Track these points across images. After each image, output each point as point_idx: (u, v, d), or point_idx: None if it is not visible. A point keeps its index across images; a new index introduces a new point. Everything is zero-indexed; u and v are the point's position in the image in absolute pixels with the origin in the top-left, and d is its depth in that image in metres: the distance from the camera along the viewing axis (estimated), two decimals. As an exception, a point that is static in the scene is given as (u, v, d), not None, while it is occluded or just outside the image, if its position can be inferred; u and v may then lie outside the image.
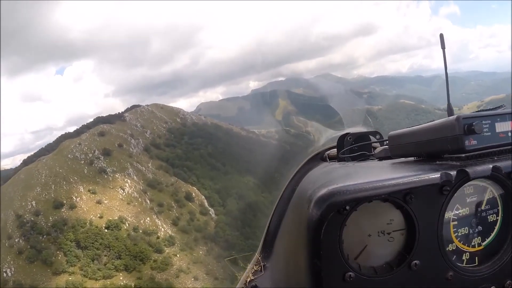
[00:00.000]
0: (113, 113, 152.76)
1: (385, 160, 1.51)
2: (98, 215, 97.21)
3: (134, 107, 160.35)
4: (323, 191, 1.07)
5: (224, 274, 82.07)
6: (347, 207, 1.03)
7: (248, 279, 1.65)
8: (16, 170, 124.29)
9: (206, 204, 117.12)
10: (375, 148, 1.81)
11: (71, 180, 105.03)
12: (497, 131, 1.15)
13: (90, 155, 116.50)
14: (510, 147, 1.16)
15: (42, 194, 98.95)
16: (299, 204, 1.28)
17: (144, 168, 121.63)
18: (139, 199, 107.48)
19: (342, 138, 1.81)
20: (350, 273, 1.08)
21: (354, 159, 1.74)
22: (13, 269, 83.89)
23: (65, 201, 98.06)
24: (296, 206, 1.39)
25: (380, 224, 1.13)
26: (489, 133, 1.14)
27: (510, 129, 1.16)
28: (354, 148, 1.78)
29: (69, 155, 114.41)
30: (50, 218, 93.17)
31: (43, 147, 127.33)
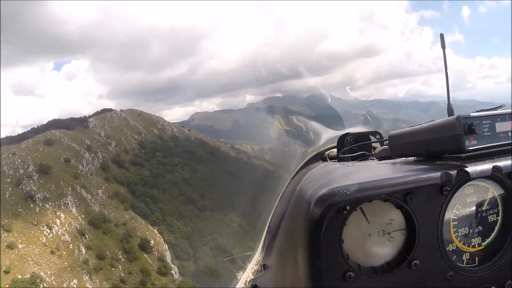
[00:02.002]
0: (76, 116, 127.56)
1: (385, 160, 1.55)
2: (4, 268, 71.73)
3: (104, 111, 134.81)
4: (323, 190, 1.09)
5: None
6: (347, 207, 1.06)
7: (248, 279, 1.77)
8: None
9: (168, 257, 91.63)
10: (375, 148, 1.91)
11: (-18, 206, 79.73)
12: (497, 131, 1.17)
13: (22, 171, 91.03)
14: (510, 147, 1.19)
15: None
16: (299, 204, 1.30)
17: (90, 196, 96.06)
18: (71, 246, 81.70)
19: (342, 138, 1.93)
20: (350, 272, 1.10)
21: (354, 159, 1.82)
22: None
23: (-39, 240, 72.88)
24: (296, 206, 1.41)
25: (380, 224, 1.15)
26: (489, 133, 1.16)
27: (510, 129, 1.18)
28: (354, 148, 1.88)
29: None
30: None
31: None
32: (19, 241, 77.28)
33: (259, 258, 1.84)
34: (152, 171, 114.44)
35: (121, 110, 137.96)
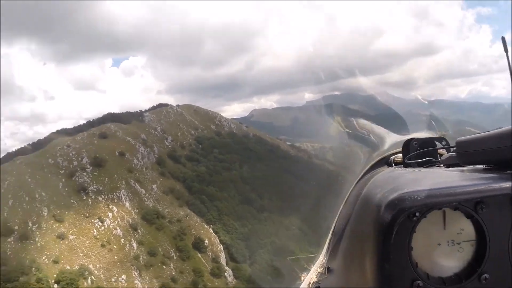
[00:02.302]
0: (132, 111, 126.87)
1: (453, 167, 1.52)
2: (53, 258, 69.29)
3: (160, 106, 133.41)
4: (393, 195, 1.08)
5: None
6: (417, 213, 1.04)
7: (312, 281, 1.78)
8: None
9: (222, 259, 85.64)
10: (441, 154, 1.86)
11: (37, 196, 78.49)
12: None
13: (75, 163, 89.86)
14: None
15: (-12, 211, 73.13)
16: (366, 208, 1.31)
17: (144, 191, 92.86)
18: (122, 240, 78.28)
19: (407, 143, 1.89)
20: (419, 281, 1.08)
21: (420, 165, 1.77)
22: None
23: (16, 227, 71.50)
24: (363, 210, 1.41)
25: (450, 233, 1.12)
26: None
27: None
28: (420, 153, 1.83)
29: (50, 160, 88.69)
30: (-16, 253, 66.68)
31: (35, 141, 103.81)
32: (70, 232, 74.91)
33: (323, 260, 1.84)
34: (209, 168, 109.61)
35: (178, 106, 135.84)
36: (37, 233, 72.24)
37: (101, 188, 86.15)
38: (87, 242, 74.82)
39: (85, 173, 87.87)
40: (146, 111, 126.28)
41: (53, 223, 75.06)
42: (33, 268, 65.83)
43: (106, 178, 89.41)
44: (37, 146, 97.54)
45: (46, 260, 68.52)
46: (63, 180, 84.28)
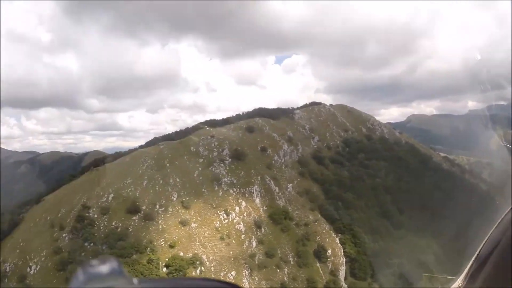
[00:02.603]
0: (284, 107, 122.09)
1: None
2: (170, 242, 67.73)
3: (313, 104, 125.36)
4: None
5: None
6: None
7: None
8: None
9: (341, 273, 72.34)
10: None
11: (171, 180, 79.69)
12: None
13: (215, 153, 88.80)
14: None
15: (127, 188, 77.15)
16: None
17: (278, 189, 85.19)
18: (242, 236, 72.08)
19: None
20: None
21: None
22: (37, 268, 64.15)
23: (144, 207, 73.28)
24: None
25: None
26: None
27: None
28: None
29: (192, 148, 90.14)
30: (113, 224, 69.86)
31: (183, 129, 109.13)
32: (193, 220, 72.61)
33: (461, 285, 1.76)
34: (352, 173, 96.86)
35: (331, 105, 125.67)
36: (162, 216, 72.25)
37: (234, 181, 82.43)
38: (207, 232, 71.19)
39: (222, 164, 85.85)
40: (297, 108, 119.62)
41: (179, 209, 74.15)
42: (148, 249, 65.31)
43: (242, 172, 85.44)
44: (185, 133, 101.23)
45: (163, 243, 67.39)
46: (200, 168, 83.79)
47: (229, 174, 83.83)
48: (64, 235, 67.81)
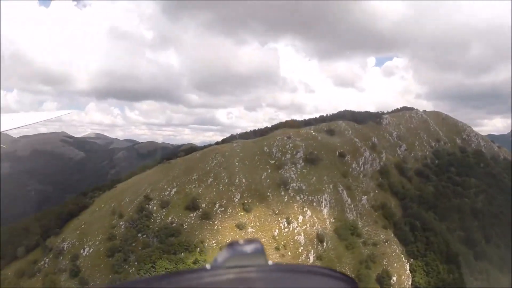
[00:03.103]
0: (372, 111, 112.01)
1: None
2: (222, 244, 66.13)
3: (404, 109, 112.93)
4: None
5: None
6: None
7: None
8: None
9: None
10: None
11: (237, 181, 78.05)
12: None
13: (289, 155, 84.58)
14: None
15: (191, 184, 77.58)
16: None
17: (350, 201, 78.03)
18: (300, 248, 67.30)
19: None
20: None
21: None
22: (90, 251, 67.72)
23: (203, 205, 72.93)
24: None
25: None
26: None
27: None
28: None
29: (265, 148, 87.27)
30: (169, 219, 70.77)
31: (262, 128, 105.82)
32: (252, 224, 70.07)
33: None
34: (438, 189, 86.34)
35: (424, 111, 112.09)
36: (220, 216, 71.07)
37: (303, 187, 77.63)
38: (262, 239, 67.81)
39: (293, 168, 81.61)
40: (387, 113, 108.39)
41: (239, 211, 72.19)
42: (198, 248, 64.60)
43: (314, 178, 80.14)
44: (263, 132, 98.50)
45: (214, 244, 66.16)
46: (269, 170, 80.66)
47: (299, 179, 79.14)
48: (121, 223, 70.56)
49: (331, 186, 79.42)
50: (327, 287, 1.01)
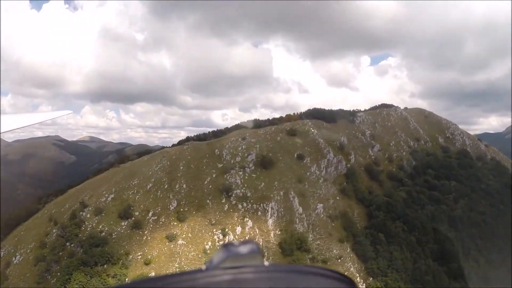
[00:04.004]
0: (346, 108, 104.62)
1: None
2: (147, 258, 61.90)
3: (382, 106, 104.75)
4: None
5: None
6: None
7: None
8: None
9: None
10: None
11: (177, 186, 73.49)
12: None
13: (239, 158, 79.13)
14: None
15: (130, 190, 73.52)
16: None
17: (302, 209, 72.03)
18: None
19: None
20: None
21: None
22: (20, 259, 65.30)
23: (136, 214, 68.75)
24: None
25: None
26: None
27: None
28: None
29: (216, 150, 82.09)
30: (100, 227, 67.00)
31: (222, 129, 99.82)
32: (183, 235, 65.52)
33: None
34: (411, 195, 78.39)
35: (405, 108, 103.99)
36: (151, 226, 66.90)
37: (248, 194, 72.14)
38: (192, 253, 63.39)
39: (241, 172, 76.02)
40: (362, 110, 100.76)
41: (173, 221, 67.77)
42: (121, 261, 60.69)
43: (263, 184, 74.44)
44: (219, 134, 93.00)
45: (140, 257, 62.24)
46: (214, 175, 75.51)
47: (245, 185, 73.64)
48: (54, 231, 67.80)
49: (281, 193, 73.47)
50: (324, 287, 1.03)
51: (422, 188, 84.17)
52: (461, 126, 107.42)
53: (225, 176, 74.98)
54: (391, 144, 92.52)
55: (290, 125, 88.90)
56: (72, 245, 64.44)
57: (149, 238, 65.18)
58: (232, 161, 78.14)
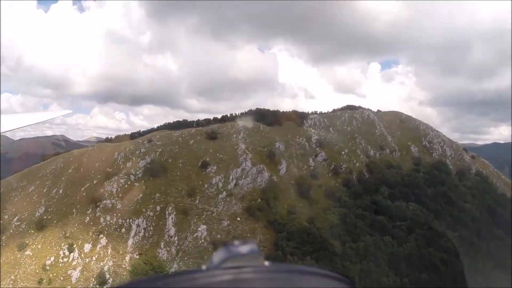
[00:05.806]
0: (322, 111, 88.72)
1: None
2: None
3: (348, 108, 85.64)
4: None
5: None
6: None
7: None
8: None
9: None
10: None
11: (54, 191, 70.78)
12: None
13: (129, 164, 72.81)
14: None
15: (14, 192, 73.22)
16: None
17: (176, 230, 63.18)
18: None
19: None
20: None
21: None
22: None
23: (6, 217, 68.17)
24: None
25: None
26: None
27: None
28: None
29: (115, 154, 76.71)
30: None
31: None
32: (33, 246, 63.05)
33: None
34: (344, 220, 62.89)
35: (378, 111, 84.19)
36: (10, 232, 65.70)
37: (118, 206, 66.04)
38: (31, 267, 60.49)
39: (123, 180, 69.91)
40: (321, 113, 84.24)
41: (32, 228, 65.55)
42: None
43: (141, 195, 67.37)
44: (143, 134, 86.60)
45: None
46: (95, 181, 70.90)
47: (120, 195, 67.38)
48: None
49: (157, 208, 65.43)
50: (324, 287, 1.03)
51: (365, 211, 66.57)
52: (471, 136, 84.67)
53: (105, 183, 69.64)
54: (343, 152, 75.12)
55: (216, 127, 78.54)
56: None
57: (3, 244, 63.98)
58: (122, 166, 72.27)
